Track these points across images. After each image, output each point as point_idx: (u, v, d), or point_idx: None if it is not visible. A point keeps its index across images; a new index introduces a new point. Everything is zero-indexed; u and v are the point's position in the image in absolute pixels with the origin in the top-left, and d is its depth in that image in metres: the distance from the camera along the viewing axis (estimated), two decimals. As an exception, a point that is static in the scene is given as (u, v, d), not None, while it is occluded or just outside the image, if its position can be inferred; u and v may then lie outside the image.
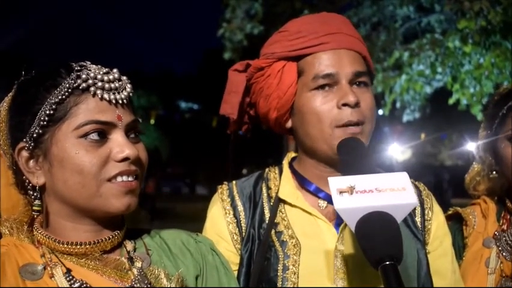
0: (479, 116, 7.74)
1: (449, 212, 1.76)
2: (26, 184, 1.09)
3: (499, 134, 1.62)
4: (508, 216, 1.65)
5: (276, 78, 1.39)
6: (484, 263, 1.59)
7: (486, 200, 1.72)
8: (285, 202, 1.43)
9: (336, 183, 0.99)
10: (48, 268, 1.01)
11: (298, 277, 1.33)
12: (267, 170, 1.55)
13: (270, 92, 1.41)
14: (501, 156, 1.62)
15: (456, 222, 1.74)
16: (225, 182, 1.53)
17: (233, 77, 1.52)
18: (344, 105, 1.31)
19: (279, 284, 1.33)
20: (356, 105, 1.31)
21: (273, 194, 1.46)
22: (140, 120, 1.13)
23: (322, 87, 1.34)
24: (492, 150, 1.67)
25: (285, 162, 1.53)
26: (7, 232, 1.07)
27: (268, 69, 1.41)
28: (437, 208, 1.48)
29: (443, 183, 11.94)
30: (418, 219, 1.44)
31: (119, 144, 1.05)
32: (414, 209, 1.44)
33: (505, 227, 1.63)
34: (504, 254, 1.58)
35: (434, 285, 1.39)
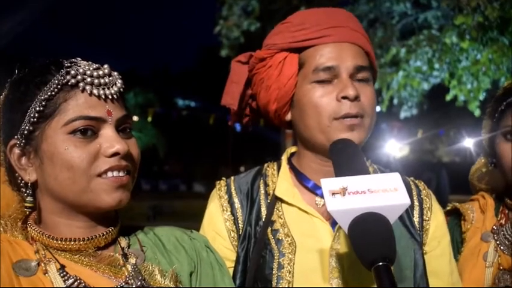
0: (477, 112, 7.78)
1: (448, 208, 1.78)
2: (19, 181, 1.08)
3: (497, 129, 1.64)
4: (506, 211, 1.67)
5: (277, 69, 1.39)
6: (482, 257, 1.61)
7: (485, 196, 1.74)
8: (282, 200, 1.42)
9: (328, 184, 0.99)
10: (42, 264, 1.01)
11: (293, 276, 1.32)
12: (265, 165, 1.55)
13: (270, 83, 1.40)
14: (496, 152, 1.64)
15: (454, 218, 1.75)
16: (224, 178, 1.53)
17: (236, 67, 1.52)
18: (344, 98, 1.31)
19: (273, 282, 1.33)
20: (356, 98, 1.31)
21: (271, 191, 1.45)
22: (131, 116, 1.13)
23: (323, 80, 1.34)
24: (491, 144, 1.69)
25: (284, 158, 1.52)
26: (1, 229, 1.07)
27: (270, 60, 1.41)
28: (436, 208, 1.48)
29: (441, 179, 11.94)
30: (416, 219, 1.43)
31: (109, 139, 1.04)
32: (413, 208, 1.44)
33: (503, 221, 1.65)
34: (502, 247, 1.60)
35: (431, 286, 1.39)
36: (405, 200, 0.96)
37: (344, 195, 0.96)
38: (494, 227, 1.65)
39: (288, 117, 1.44)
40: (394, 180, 0.99)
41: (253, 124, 1.63)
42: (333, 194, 0.97)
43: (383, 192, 0.97)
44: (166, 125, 26.55)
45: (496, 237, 1.62)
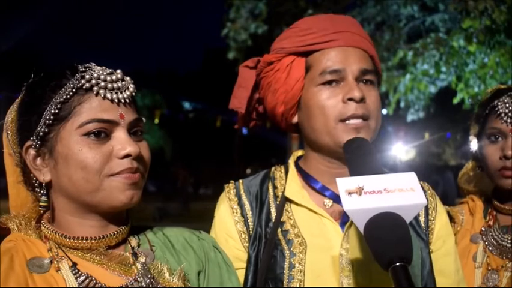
0: (484, 116, 7.72)
1: None
2: (34, 181, 1.12)
3: (482, 133, 1.71)
4: (494, 213, 1.73)
5: (285, 73, 1.42)
6: (472, 257, 1.67)
7: (474, 199, 1.81)
8: (291, 201, 1.45)
9: (344, 184, 0.98)
10: (55, 262, 1.04)
11: (304, 275, 1.35)
12: (273, 169, 1.57)
13: (278, 87, 1.44)
14: (482, 154, 1.70)
15: None
16: (232, 181, 1.55)
17: (243, 72, 1.55)
18: (349, 99, 1.34)
19: (285, 282, 1.35)
20: (361, 100, 1.34)
21: (279, 193, 1.48)
22: (143, 119, 1.15)
23: (329, 82, 1.37)
24: (478, 147, 1.75)
25: (291, 161, 1.55)
26: (16, 228, 1.10)
27: (278, 64, 1.44)
28: (441, 208, 1.50)
29: (447, 182, 11.90)
30: (422, 218, 1.46)
31: (121, 142, 1.08)
32: None
33: (491, 223, 1.72)
34: (490, 248, 1.66)
35: (438, 285, 1.41)
36: (422, 200, 0.96)
37: (360, 195, 0.96)
38: (482, 228, 1.72)
39: (295, 119, 1.47)
40: (410, 179, 0.99)
41: (259, 127, 1.66)
42: (349, 193, 0.97)
43: (399, 192, 0.96)
44: (172, 127, 26.60)
45: (484, 238, 1.69)
